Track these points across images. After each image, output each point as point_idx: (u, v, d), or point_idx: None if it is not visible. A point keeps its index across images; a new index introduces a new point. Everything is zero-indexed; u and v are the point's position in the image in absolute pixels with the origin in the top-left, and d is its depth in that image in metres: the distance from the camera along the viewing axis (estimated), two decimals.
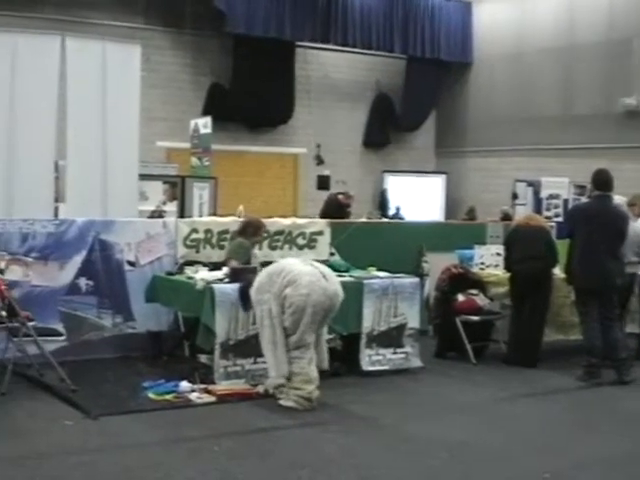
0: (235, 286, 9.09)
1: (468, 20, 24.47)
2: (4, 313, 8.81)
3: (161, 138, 20.10)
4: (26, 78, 11.06)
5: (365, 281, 10.01)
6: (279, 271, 8.56)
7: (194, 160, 16.58)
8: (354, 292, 9.61)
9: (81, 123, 11.28)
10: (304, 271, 8.50)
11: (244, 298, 8.83)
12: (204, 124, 16.59)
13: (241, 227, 10.43)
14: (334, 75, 23.81)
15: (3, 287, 8.98)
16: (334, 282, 8.65)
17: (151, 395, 8.65)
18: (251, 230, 10.33)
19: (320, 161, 23.60)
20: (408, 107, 24.47)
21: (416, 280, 10.47)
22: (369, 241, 11.80)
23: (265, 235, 10.82)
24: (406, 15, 23.47)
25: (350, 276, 10.18)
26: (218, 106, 20.53)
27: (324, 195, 19.33)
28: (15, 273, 9.98)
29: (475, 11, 24.49)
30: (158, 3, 20.94)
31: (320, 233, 11.62)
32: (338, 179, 23.18)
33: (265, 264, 9.38)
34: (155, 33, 20.82)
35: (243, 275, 9.22)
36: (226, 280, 9.29)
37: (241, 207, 12.04)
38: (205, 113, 19.64)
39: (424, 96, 24.59)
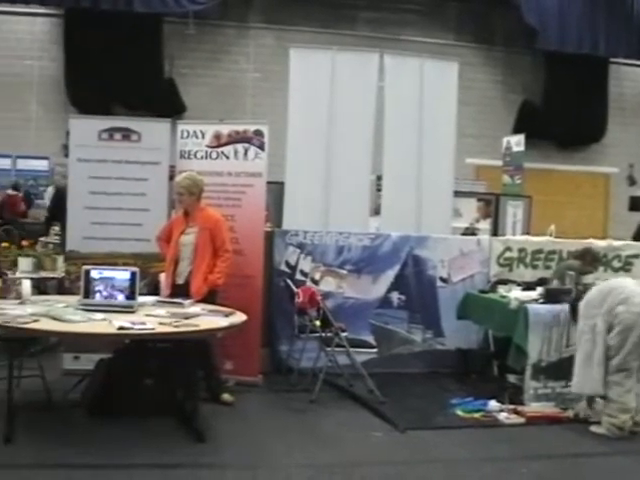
0: (549, 307, 8.96)
1: None
2: (318, 323, 9.08)
3: (471, 155, 20.11)
4: (344, 94, 11.26)
5: None
6: (610, 289, 8.34)
7: (506, 178, 16.53)
8: None
9: (398, 138, 11.37)
10: (637, 291, 8.26)
11: (573, 312, 8.65)
12: (517, 142, 16.52)
13: (581, 252, 10.16)
14: None
15: (319, 297, 9.26)
16: None
17: (459, 412, 8.66)
18: (589, 259, 10.08)
19: (633, 182, 22.95)
20: None
21: None
22: None
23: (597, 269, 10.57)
24: None
25: None
26: (529, 124, 20.31)
27: (636, 217, 18.73)
28: (329, 284, 10.30)
29: None
30: (469, 20, 21.06)
31: (636, 256, 11.18)
32: None
33: (581, 285, 9.20)
34: (467, 50, 20.89)
35: (558, 296, 9.08)
36: (541, 300, 9.16)
37: (552, 227, 11.85)
38: (516, 131, 19.54)
39: None
